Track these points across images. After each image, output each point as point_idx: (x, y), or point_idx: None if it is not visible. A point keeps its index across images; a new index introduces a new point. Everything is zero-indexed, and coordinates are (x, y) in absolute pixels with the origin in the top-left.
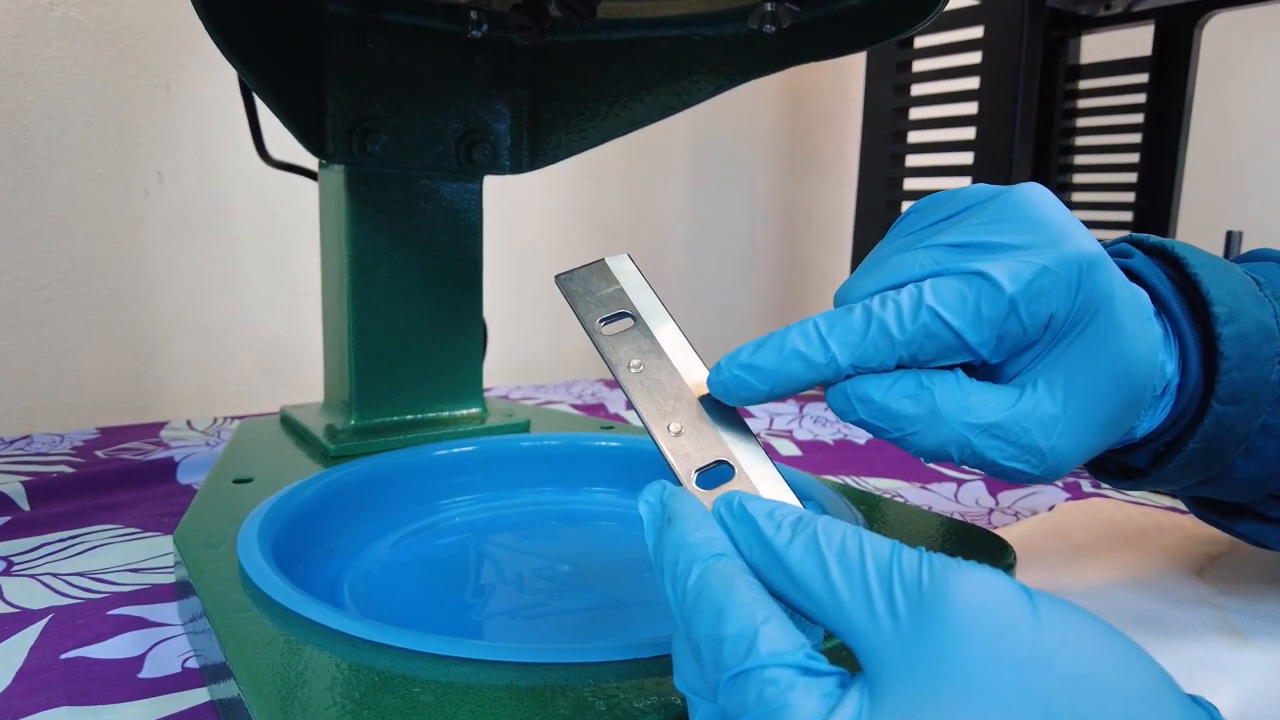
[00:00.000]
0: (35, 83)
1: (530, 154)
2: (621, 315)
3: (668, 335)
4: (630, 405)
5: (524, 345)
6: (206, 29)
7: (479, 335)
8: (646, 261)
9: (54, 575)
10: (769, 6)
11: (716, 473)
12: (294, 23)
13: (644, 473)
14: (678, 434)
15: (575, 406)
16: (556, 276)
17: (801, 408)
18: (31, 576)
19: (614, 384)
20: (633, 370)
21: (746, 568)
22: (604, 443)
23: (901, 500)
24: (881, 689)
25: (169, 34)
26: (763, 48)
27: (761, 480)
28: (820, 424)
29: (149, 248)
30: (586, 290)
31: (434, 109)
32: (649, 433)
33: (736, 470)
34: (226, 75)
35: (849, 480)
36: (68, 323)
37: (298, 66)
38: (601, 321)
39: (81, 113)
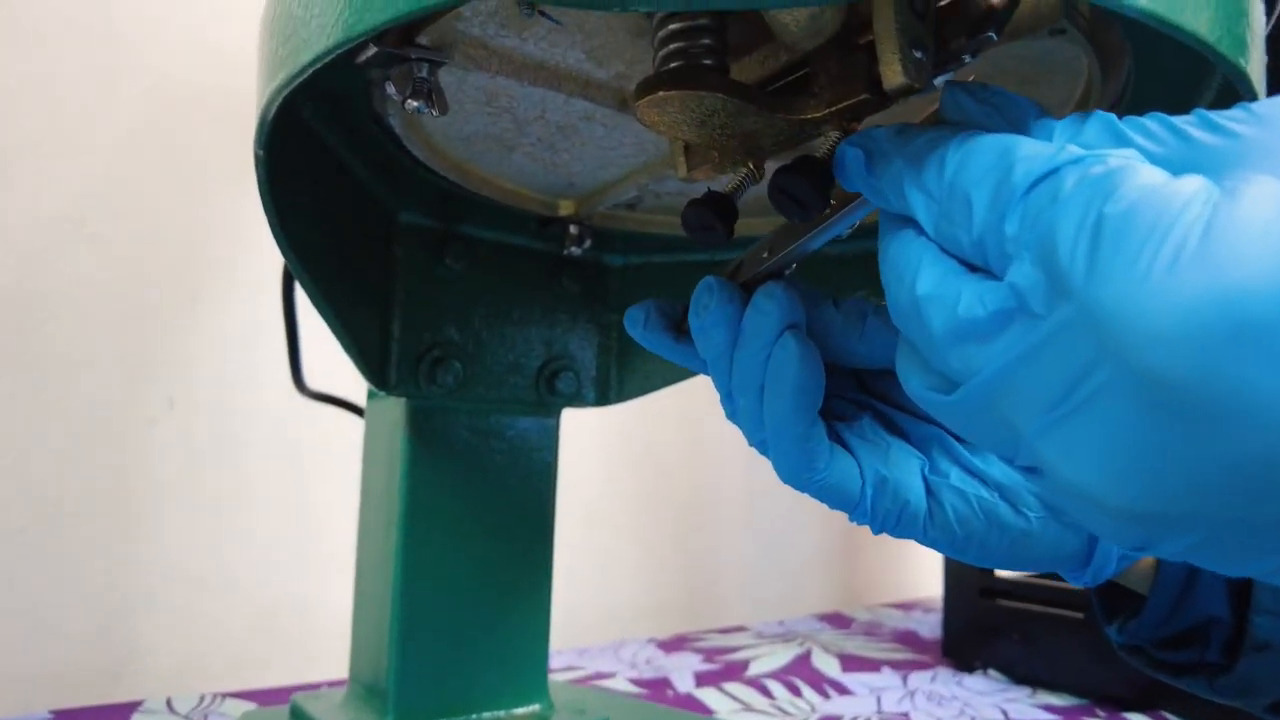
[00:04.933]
0: (53, 300)
1: (619, 384)
2: None
3: None
4: None
5: (562, 597)
6: (276, 239)
7: (547, 605)
8: (701, 491)
9: None
10: None
11: None
12: (364, 233)
13: None
14: None
15: (634, 681)
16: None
17: (907, 681)
18: None
19: (669, 648)
20: None
21: None
22: None
23: None
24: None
25: (201, 253)
26: None
27: None
28: (934, 701)
29: (148, 484)
30: None
31: (515, 334)
32: None
33: None
34: (255, 296)
35: None
36: (38, 572)
37: (365, 284)
38: None
39: (97, 331)
